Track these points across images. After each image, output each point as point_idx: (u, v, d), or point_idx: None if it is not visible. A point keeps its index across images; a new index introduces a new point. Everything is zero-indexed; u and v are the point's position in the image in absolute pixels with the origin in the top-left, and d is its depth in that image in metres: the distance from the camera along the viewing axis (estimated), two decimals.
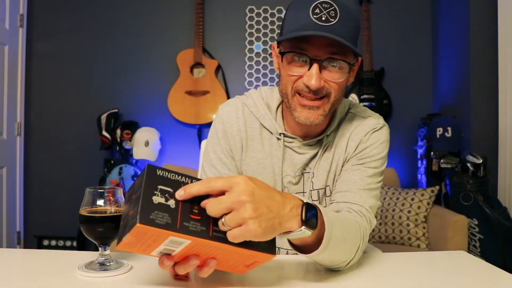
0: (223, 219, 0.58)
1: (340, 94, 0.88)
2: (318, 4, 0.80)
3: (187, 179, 0.60)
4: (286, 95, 0.89)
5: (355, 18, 0.83)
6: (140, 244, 0.57)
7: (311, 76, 0.82)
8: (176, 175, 0.60)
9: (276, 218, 0.60)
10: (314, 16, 0.79)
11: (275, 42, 0.92)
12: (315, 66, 0.82)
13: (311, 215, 0.64)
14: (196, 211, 0.58)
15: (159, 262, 0.61)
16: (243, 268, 0.66)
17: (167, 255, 0.61)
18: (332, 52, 0.82)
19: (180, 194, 0.58)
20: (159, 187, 0.57)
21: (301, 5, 0.82)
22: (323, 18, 0.79)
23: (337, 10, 0.79)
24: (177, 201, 0.57)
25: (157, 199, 0.56)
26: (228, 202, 0.57)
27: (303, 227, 0.63)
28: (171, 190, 0.58)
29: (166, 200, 0.57)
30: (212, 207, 0.58)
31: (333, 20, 0.79)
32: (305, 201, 0.65)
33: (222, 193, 0.59)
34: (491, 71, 2.50)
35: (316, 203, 0.70)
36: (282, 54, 0.86)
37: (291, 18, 0.84)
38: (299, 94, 0.86)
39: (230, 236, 0.58)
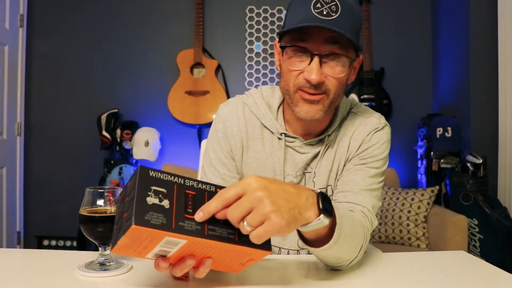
0: (245, 222, 0.57)
1: (340, 90, 0.87)
2: None
3: (180, 179, 0.60)
4: (288, 91, 0.88)
5: (357, 14, 0.84)
6: (135, 246, 0.57)
7: (312, 71, 0.81)
8: (169, 176, 0.59)
9: (295, 208, 0.60)
10: (315, 11, 0.79)
11: (277, 37, 0.92)
12: (315, 60, 0.81)
13: (327, 204, 0.64)
14: (191, 210, 0.58)
15: (155, 264, 0.61)
16: (238, 267, 0.66)
17: (162, 256, 0.60)
18: (333, 46, 0.82)
19: (200, 215, 0.58)
20: (153, 188, 0.57)
21: (303, 0, 0.82)
22: (324, 12, 0.79)
23: (338, 5, 0.79)
24: (171, 201, 0.57)
25: (151, 200, 0.56)
26: (246, 202, 0.57)
27: (322, 215, 0.62)
28: (165, 191, 0.57)
29: (160, 200, 0.56)
30: (232, 213, 0.58)
31: (334, 14, 0.79)
32: (318, 191, 0.65)
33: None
34: (491, 71, 2.50)
35: None
36: (282, 48, 0.86)
37: (292, 13, 0.85)
38: (301, 90, 0.86)
39: (255, 236, 0.57)
